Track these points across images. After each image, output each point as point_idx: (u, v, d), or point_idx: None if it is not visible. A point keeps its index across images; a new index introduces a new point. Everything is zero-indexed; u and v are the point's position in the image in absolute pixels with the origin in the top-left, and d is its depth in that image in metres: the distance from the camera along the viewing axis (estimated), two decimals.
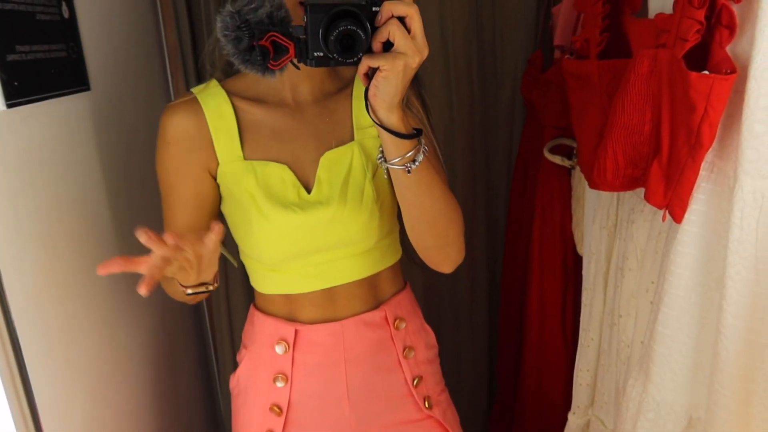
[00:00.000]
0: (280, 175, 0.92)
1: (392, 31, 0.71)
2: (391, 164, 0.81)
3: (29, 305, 0.79)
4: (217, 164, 0.93)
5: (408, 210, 0.89)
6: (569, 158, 1.25)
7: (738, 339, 0.70)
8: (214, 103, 0.92)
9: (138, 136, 1.18)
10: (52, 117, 0.90)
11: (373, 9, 0.72)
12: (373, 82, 0.74)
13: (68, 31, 0.96)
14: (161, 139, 0.92)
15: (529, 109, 1.48)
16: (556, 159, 1.23)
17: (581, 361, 1.18)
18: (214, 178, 0.94)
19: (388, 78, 0.72)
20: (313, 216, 0.91)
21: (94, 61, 1.03)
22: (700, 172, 0.74)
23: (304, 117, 0.94)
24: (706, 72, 0.69)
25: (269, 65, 0.74)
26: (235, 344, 1.53)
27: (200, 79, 1.38)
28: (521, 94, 1.52)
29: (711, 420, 0.74)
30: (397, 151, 0.79)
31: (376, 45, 0.72)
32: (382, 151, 0.82)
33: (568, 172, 1.29)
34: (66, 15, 0.96)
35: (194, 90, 0.94)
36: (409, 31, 0.72)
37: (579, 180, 1.23)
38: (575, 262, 1.31)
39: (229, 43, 0.74)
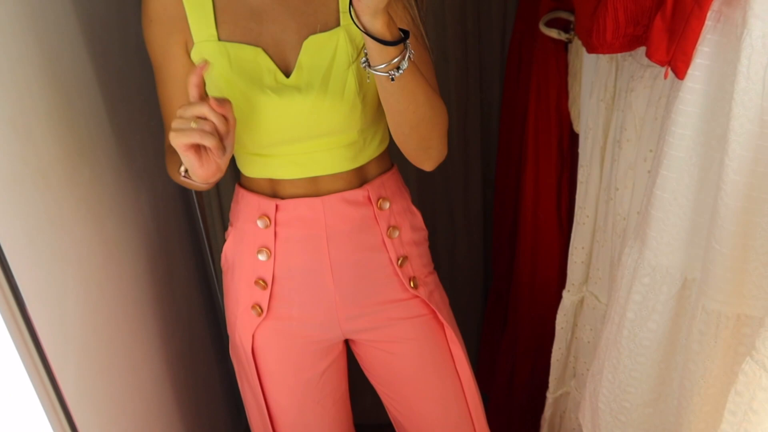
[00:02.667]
0: (255, 59, 0.89)
1: None
2: (375, 70, 0.77)
3: (8, 196, 0.77)
4: (192, 43, 0.91)
5: (391, 114, 0.87)
6: (566, 32, 1.19)
7: (738, 194, 0.68)
8: None
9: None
10: None
11: None
12: None
13: None
14: (144, 17, 0.91)
15: None
16: (552, 33, 1.17)
17: (576, 239, 1.18)
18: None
19: None
20: (290, 102, 0.89)
21: None
22: (706, 22, 0.69)
23: None
24: None
25: None
26: (225, 226, 1.53)
27: None
28: None
29: (706, 279, 0.74)
30: (381, 57, 0.76)
31: None
32: (366, 54, 0.78)
33: (564, 48, 1.23)
34: None
35: None
36: None
37: (576, 54, 1.18)
38: (571, 142, 1.28)
39: None
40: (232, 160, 1.02)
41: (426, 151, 0.93)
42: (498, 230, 1.62)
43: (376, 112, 0.97)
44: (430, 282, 1.09)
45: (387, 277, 1.03)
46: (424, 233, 1.10)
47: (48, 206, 0.86)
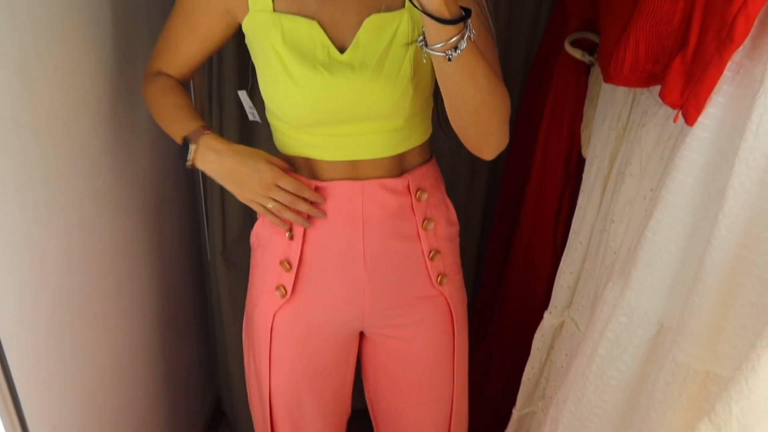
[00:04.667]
0: (309, 32, 0.88)
1: None
2: (432, 50, 0.73)
3: (5, 137, 0.76)
4: (247, 12, 0.89)
5: (449, 98, 0.82)
6: (591, 54, 1.17)
7: (727, 253, 0.67)
8: None
9: None
10: None
11: None
12: None
13: None
14: None
15: (557, 0, 1.37)
16: (576, 53, 1.15)
17: (566, 263, 1.17)
18: (239, 25, 0.92)
19: None
20: (342, 80, 0.87)
21: None
22: (725, 72, 0.67)
23: None
24: None
25: None
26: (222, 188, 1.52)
27: None
28: None
29: (681, 330, 0.73)
30: (438, 36, 0.71)
31: None
32: (423, 33, 0.74)
33: (587, 70, 1.21)
34: None
35: None
36: None
37: (596, 79, 1.16)
38: (578, 165, 1.26)
39: None
40: (268, 134, 1.01)
41: (485, 138, 0.87)
42: (494, 238, 1.61)
43: (425, 101, 0.94)
44: (456, 281, 1.07)
45: (417, 269, 1.02)
46: (456, 228, 1.08)
47: (44, 152, 0.86)
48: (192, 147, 0.92)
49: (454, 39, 0.71)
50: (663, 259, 0.78)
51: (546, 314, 1.23)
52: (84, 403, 1.00)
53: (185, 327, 1.57)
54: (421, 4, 0.69)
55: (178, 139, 0.94)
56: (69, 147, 0.93)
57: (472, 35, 0.72)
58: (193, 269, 1.63)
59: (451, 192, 1.65)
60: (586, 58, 1.15)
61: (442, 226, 1.03)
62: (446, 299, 1.05)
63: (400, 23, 0.87)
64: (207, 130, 0.93)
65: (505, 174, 1.53)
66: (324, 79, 0.86)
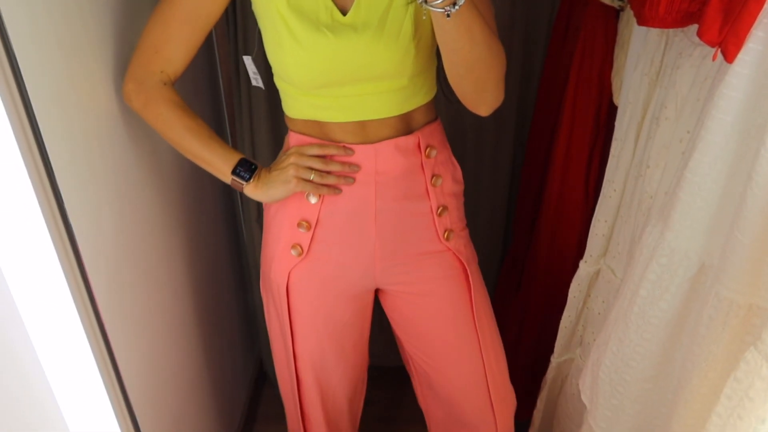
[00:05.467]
0: None
1: None
2: (431, 5, 0.75)
3: (55, 109, 0.79)
4: None
5: (446, 54, 0.85)
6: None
7: None
8: None
9: None
10: None
11: None
12: None
13: None
14: None
15: None
16: None
17: (600, 212, 1.18)
18: None
19: None
20: (345, 41, 0.89)
21: None
22: (765, 5, 0.67)
23: None
24: None
25: None
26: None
27: None
28: None
29: (723, 267, 0.75)
30: None
31: None
32: None
33: (615, 15, 1.20)
34: None
35: None
36: None
37: (627, 23, 1.15)
38: (609, 114, 1.26)
39: None
40: (277, 102, 1.02)
41: (481, 94, 0.91)
42: (523, 194, 1.62)
43: (427, 60, 0.96)
44: (463, 237, 1.11)
45: (425, 225, 1.05)
46: (461, 187, 1.11)
47: (97, 121, 0.89)
48: (250, 186, 1.00)
49: None
50: (703, 198, 0.79)
51: (581, 263, 1.25)
52: (145, 364, 1.05)
53: (226, 293, 1.62)
54: None
55: (221, 171, 0.99)
56: (120, 117, 0.96)
57: None
58: (230, 237, 1.67)
59: (478, 151, 1.67)
60: (615, 3, 1.14)
61: (449, 183, 1.06)
62: (454, 254, 1.08)
63: None
64: (252, 163, 0.99)
65: (533, 128, 1.53)
66: (328, 41, 0.88)
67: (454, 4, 0.74)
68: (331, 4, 0.89)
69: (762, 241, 0.70)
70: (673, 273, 0.84)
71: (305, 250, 1.04)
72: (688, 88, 0.91)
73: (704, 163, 0.77)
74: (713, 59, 0.74)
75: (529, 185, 1.58)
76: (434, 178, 1.03)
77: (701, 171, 0.78)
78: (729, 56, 0.71)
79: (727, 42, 0.71)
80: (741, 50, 0.70)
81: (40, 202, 0.74)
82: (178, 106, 0.96)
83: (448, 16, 0.76)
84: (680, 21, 0.80)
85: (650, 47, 1.01)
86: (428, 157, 1.02)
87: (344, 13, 0.90)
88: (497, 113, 1.60)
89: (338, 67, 0.91)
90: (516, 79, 1.58)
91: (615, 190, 1.14)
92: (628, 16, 1.15)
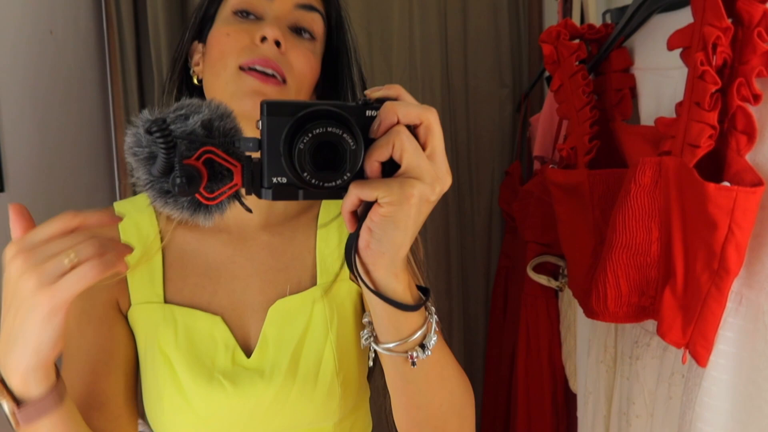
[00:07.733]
0: (210, 332, 0.69)
1: (399, 144, 0.45)
2: (388, 349, 0.53)
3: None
4: (129, 305, 0.70)
5: (407, 410, 0.60)
6: (555, 278, 1.12)
7: None
8: (135, 223, 0.71)
9: None
10: None
11: (368, 113, 0.46)
12: (366, 224, 0.48)
13: None
14: None
15: (508, 222, 1.37)
16: (542, 279, 1.09)
17: None
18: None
19: (394, 218, 0.46)
20: (249, 393, 0.67)
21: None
22: (727, 304, 0.60)
23: (248, 248, 0.72)
24: (727, 183, 0.57)
25: (200, 197, 0.46)
26: None
27: None
28: (499, 205, 1.41)
29: None
30: (398, 331, 0.52)
31: (372, 165, 0.46)
32: (370, 324, 0.56)
33: (555, 294, 1.15)
34: None
35: (116, 204, 0.75)
36: (424, 147, 0.47)
37: (569, 303, 1.09)
38: (567, 400, 1.13)
39: (139, 166, 0.47)
40: None
41: None
42: None
43: (357, 395, 0.74)
44: None
45: None
46: None
47: None
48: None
49: (419, 333, 0.52)
50: None
51: None
52: None
53: None
54: (377, 286, 0.50)
55: None
56: None
57: (437, 324, 0.55)
58: None
59: None
60: (554, 284, 1.09)
61: None
62: None
63: (313, 306, 0.70)
64: None
65: (485, 418, 1.38)
66: (226, 393, 0.66)
67: (423, 346, 0.53)
68: (234, 342, 0.68)
69: None
70: None
71: None
72: (655, 383, 0.79)
73: None
74: (683, 362, 0.64)
75: None
76: None
77: None
78: (700, 360, 0.61)
79: (695, 344, 0.61)
80: (712, 353, 0.61)
81: None
82: None
83: (414, 364, 0.53)
84: (634, 316, 0.72)
85: (600, 333, 0.93)
86: None
87: (248, 352, 0.69)
88: None
89: (235, 423, 0.68)
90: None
91: None
92: (569, 296, 1.09)
